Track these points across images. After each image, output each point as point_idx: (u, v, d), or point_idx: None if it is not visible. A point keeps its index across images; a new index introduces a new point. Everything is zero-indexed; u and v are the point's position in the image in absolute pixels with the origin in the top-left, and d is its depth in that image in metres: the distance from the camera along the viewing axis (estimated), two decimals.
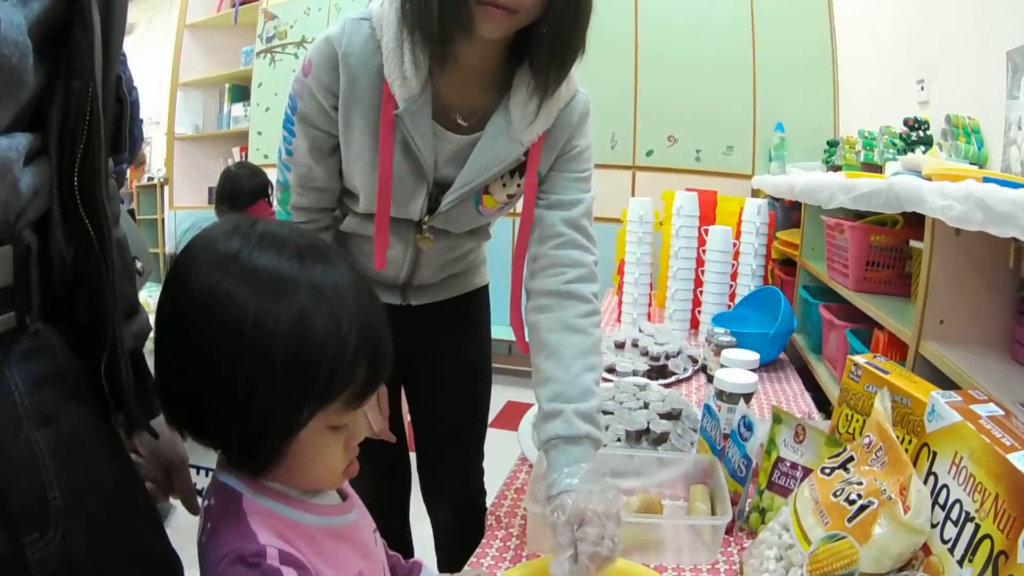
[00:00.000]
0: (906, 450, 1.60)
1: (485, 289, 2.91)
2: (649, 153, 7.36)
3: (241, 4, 9.27)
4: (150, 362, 1.40)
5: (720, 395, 2.32)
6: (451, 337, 2.79)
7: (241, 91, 9.73)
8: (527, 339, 2.28)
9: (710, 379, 3.33)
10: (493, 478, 2.63)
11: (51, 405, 1.23)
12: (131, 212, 9.11)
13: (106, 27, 1.26)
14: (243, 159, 9.28)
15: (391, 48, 1.99)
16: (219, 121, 10.13)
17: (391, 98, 2.02)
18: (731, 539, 2.09)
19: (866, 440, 1.65)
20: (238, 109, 9.74)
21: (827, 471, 1.70)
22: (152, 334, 1.29)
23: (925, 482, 1.55)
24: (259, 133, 9.01)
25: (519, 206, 2.26)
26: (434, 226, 2.32)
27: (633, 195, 5.39)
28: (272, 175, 2.50)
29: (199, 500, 1.83)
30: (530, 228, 2.25)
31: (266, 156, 8.58)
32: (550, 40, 1.96)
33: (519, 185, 2.25)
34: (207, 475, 1.96)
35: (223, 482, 1.31)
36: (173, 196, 10.20)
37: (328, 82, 2.07)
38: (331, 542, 1.34)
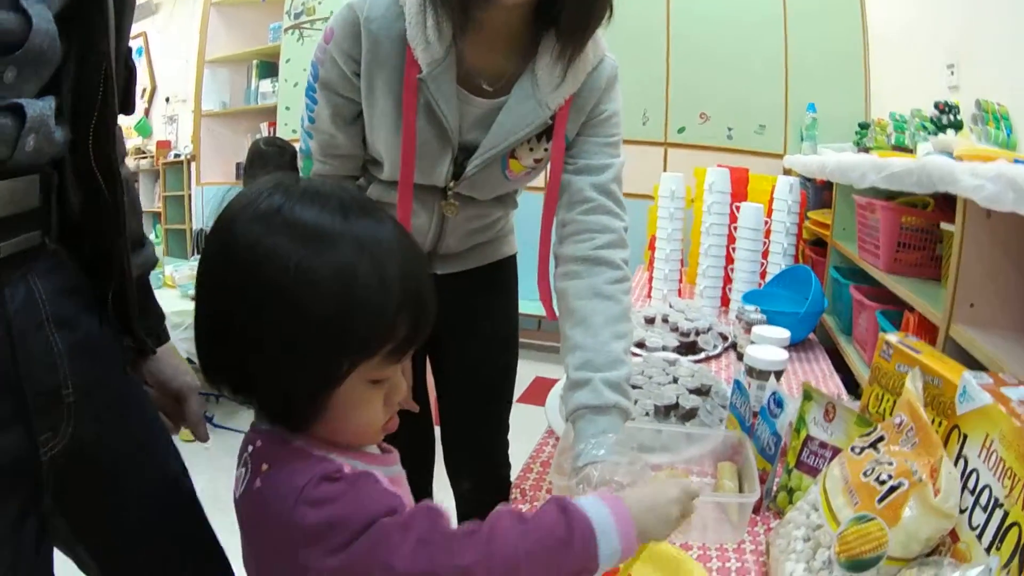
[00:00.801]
0: (936, 432, 1.57)
1: (513, 259, 2.89)
2: (681, 130, 7.36)
3: None
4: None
5: (750, 371, 2.30)
6: (477, 306, 2.77)
7: (269, 67, 9.73)
8: (555, 307, 2.26)
9: (740, 357, 3.32)
10: (519, 454, 2.61)
11: (68, 312, 1.43)
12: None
13: (119, 6, 1.44)
14: (271, 134, 9.27)
15: (414, 13, 1.98)
16: (247, 97, 10.14)
17: (414, 63, 2.01)
18: (758, 519, 2.07)
19: (897, 420, 1.62)
20: (266, 85, 9.74)
21: (857, 450, 1.67)
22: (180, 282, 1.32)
23: (955, 465, 1.52)
24: (287, 108, 9.03)
25: (545, 177, 2.24)
26: (460, 192, 2.31)
27: (665, 171, 5.37)
28: None
29: (205, 430, 1.85)
30: (558, 194, 2.24)
31: (294, 131, 8.44)
32: (574, 3, 1.94)
33: (546, 150, 2.23)
34: (217, 401, 1.97)
35: (267, 429, 1.32)
36: (200, 172, 10.22)
37: (350, 48, 2.06)
38: (392, 488, 1.31)
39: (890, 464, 1.50)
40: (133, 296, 1.65)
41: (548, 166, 2.27)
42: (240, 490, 1.29)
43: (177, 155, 11.53)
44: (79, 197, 1.47)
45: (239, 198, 1.27)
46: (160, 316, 1.87)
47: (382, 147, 2.21)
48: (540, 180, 2.28)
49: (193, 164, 10.49)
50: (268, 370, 1.21)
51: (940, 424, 1.66)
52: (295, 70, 8.91)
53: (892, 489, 1.44)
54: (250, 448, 1.32)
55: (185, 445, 1.77)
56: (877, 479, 1.50)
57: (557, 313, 2.24)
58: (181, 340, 5.52)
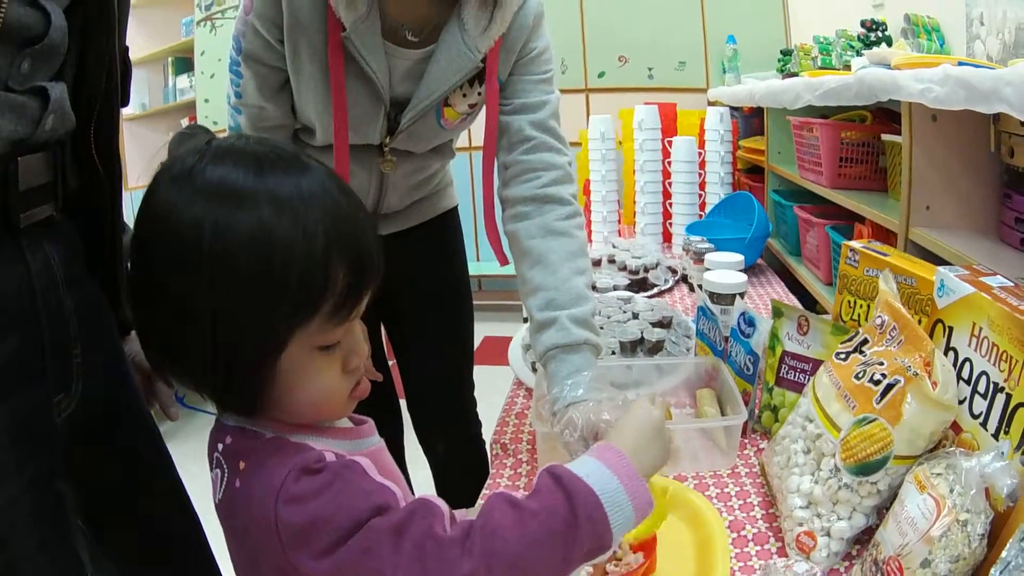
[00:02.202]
0: None
1: (455, 211, 2.90)
2: (601, 75, 7.40)
3: None
4: None
5: (712, 297, 2.32)
6: (425, 263, 2.76)
7: (184, 63, 9.60)
8: (507, 252, 2.26)
9: (692, 288, 3.34)
10: (486, 416, 2.61)
11: (76, 275, 1.51)
12: None
13: (118, 2, 1.50)
14: None
15: None
16: (165, 95, 10.00)
17: (337, 22, 1.99)
18: (746, 441, 2.09)
19: (878, 321, 1.64)
20: (183, 81, 9.60)
21: (842, 356, 1.68)
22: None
23: (945, 357, 1.53)
24: (206, 101, 8.92)
25: (479, 131, 2.24)
26: (396, 148, 2.31)
27: (589, 117, 5.39)
28: None
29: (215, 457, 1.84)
30: (496, 137, 2.22)
31: (215, 123, 8.40)
32: None
33: (480, 94, 2.22)
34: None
35: (236, 424, 1.27)
36: (127, 178, 10.11)
37: (271, 15, 2.03)
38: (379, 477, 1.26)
39: (880, 364, 1.52)
40: (123, 273, 1.69)
41: (483, 110, 2.26)
42: (220, 494, 1.24)
43: None
44: (77, 180, 1.53)
45: (163, 165, 1.22)
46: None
47: (312, 113, 2.19)
48: (467, 140, 2.28)
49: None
50: (201, 341, 1.14)
51: (920, 322, 1.67)
52: (210, 62, 8.79)
53: (889, 387, 1.45)
54: (220, 447, 1.27)
55: None
56: (871, 379, 1.51)
57: (509, 257, 2.23)
58: None
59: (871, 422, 1.46)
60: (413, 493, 1.62)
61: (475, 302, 3.00)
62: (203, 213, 1.12)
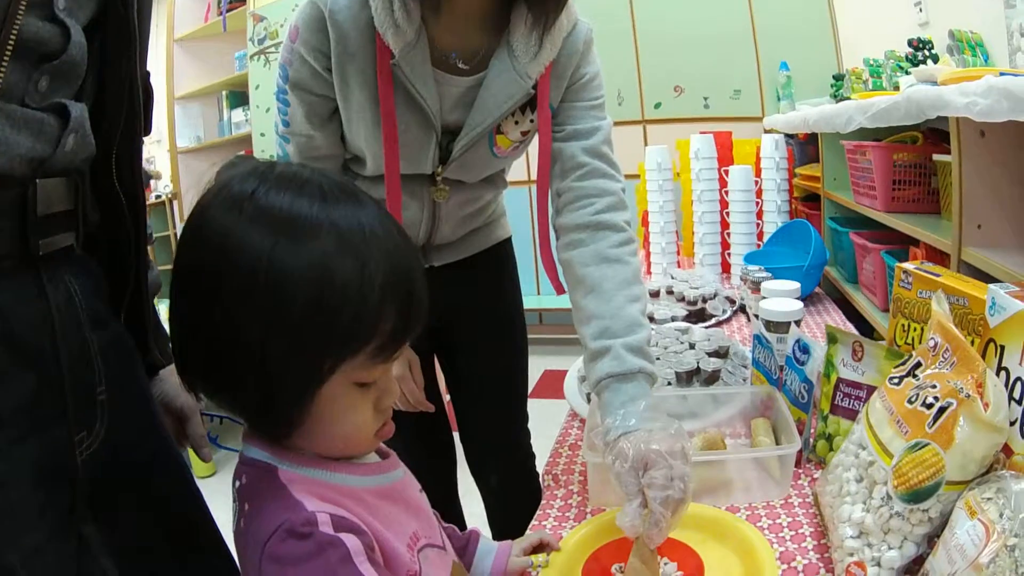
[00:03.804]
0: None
1: (508, 242, 2.88)
2: (657, 106, 7.38)
3: (228, 11, 9.23)
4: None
5: (769, 326, 2.28)
6: (480, 294, 2.76)
7: (239, 96, 9.68)
8: (562, 280, 2.23)
9: (749, 318, 3.31)
10: (540, 448, 2.59)
11: (100, 312, 1.45)
12: None
13: (138, 25, 1.45)
14: None
15: None
16: (220, 129, 10.09)
17: (386, 49, 1.99)
18: (800, 471, 2.04)
19: (931, 343, 1.59)
20: (238, 115, 9.69)
21: (895, 380, 1.63)
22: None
23: (997, 377, 1.49)
24: (262, 135, 9.01)
25: (529, 168, 2.23)
26: (448, 177, 2.30)
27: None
28: None
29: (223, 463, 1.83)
30: (549, 164, 2.21)
31: (272, 156, 8.46)
32: None
33: (532, 121, 2.21)
34: (221, 423, 1.95)
35: (252, 458, 1.26)
36: (184, 210, 10.19)
37: (318, 43, 2.04)
38: (379, 502, 1.28)
39: (934, 387, 1.47)
40: (149, 310, 1.67)
41: (536, 138, 2.25)
42: (233, 526, 1.25)
43: (158, 196, 11.50)
44: (97, 215, 1.48)
45: (214, 184, 1.21)
46: (166, 337, 1.81)
47: (362, 142, 2.19)
48: (525, 173, 2.27)
49: (175, 203, 10.47)
50: (246, 368, 1.14)
51: (973, 342, 1.63)
52: (265, 96, 8.83)
53: (941, 411, 1.41)
54: (237, 483, 1.28)
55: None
56: (924, 403, 1.46)
57: (565, 286, 2.21)
58: None
59: (923, 447, 1.41)
60: (465, 526, 1.62)
61: (535, 336, 3.00)
62: (263, 242, 1.11)
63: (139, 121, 1.51)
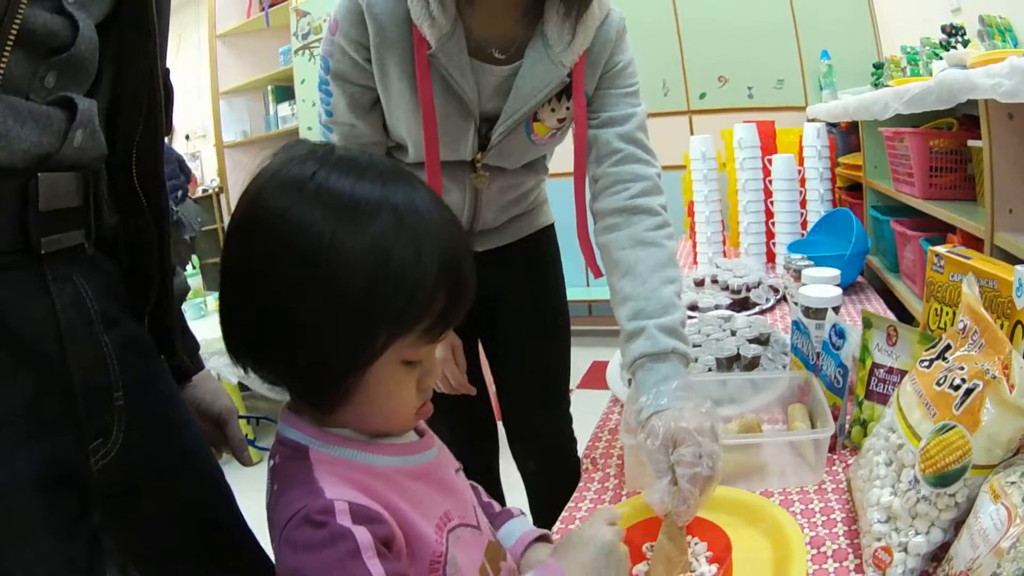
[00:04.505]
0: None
1: (551, 228, 2.91)
2: (702, 96, 7.38)
3: (271, 6, 9.27)
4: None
5: (807, 312, 2.29)
6: (522, 280, 2.78)
7: (285, 91, 9.75)
8: (600, 264, 2.27)
9: (794, 304, 3.32)
10: (585, 437, 2.60)
11: (114, 313, 1.41)
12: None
13: (156, 21, 1.44)
14: None
15: None
16: (267, 123, 10.15)
17: (423, 40, 2.02)
18: (835, 457, 2.04)
19: (960, 325, 1.59)
20: (284, 109, 9.77)
21: (926, 363, 1.63)
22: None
23: None
24: (309, 128, 9.06)
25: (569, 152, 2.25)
26: (488, 163, 2.33)
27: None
28: None
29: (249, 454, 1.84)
30: (585, 151, 2.24)
31: None
32: None
33: (568, 108, 2.24)
34: (258, 423, 1.96)
35: (287, 437, 1.28)
36: (231, 204, 10.23)
37: (357, 35, 2.08)
38: (409, 482, 1.29)
39: (962, 369, 1.47)
40: (175, 316, 1.67)
41: (572, 125, 2.28)
42: (266, 503, 1.27)
43: (205, 190, 11.56)
44: (116, 216, 1.47)
45: (269, 165, 1.23)
46: (196, 344, 1.85)
47: (403, 130, 2.23)
48: (567, 165, 2.28)
49: (222, 196, 10.52)
50: (299, 342, 1.17)
51: (1002, 325, 1.63)
52: (311, 89, 8.83)
53: (968, 392, 1.41)
54: (271, 463, 1.30)
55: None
56: (951, 385, 1.46)
57: (602, 269, 2.24)
58: (226, 366, 5.55)
59: (950, 429, 1.41)
60: (504, 505, 1.63)
61: (585, 327, 3.03)
62: (324, 221, 1.13)
63: (159, 119, 1.49)
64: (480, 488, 1.65)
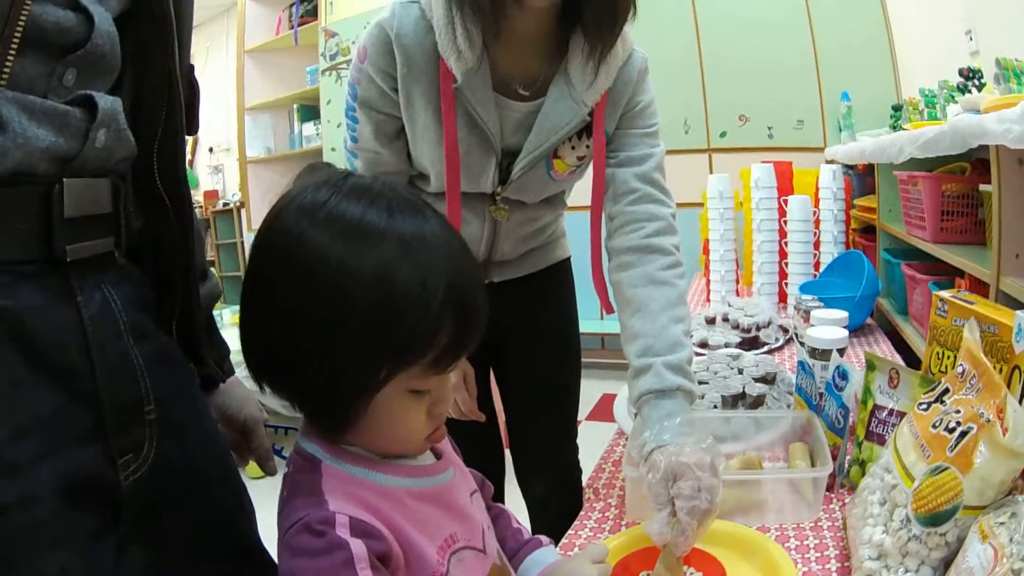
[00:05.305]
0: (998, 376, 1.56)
1: (567, 262, 2.92)
2: (723, 134, 7.41)
3: (300, 25, 9.32)
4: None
5: (813, 353, 2.30)
6: (537, 312, 2.79)
7: (310, 110, 9.80)
8: (612, 301, 2.28)
9: (801, 345, 3.34)
10: (591, 467, 2.62)
11: (144, 324, 1.37)
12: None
13: (177, 18, 1.38)
14: None
15: (442, 25, 2.02)
16: (291, 142, 10.20)
17: (449, 73, 2.05)
18: (832, 496, 2.07)
19: (960, 369, 1.61)
20: (309, 128, 9.82)
21: (924, 406, 1.65)
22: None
23: (1020, 404, 1.48)
24: (332, 149, 9.11)
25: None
26: (508, 196, 2.34)
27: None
28: None
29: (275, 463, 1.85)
30: (603, 188, 2.27)
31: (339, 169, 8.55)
32: (598, 3, 1.98)
33: (588, 146, 2.26)
34: (285, 433, 1.96)
35: (303, 448, 1.31)
36: (251, 219, 10.26)
37: (385, 64, 2.10)
38: (416, 503, 1.30)
39: (958, 412, 1.50)
40: (202, 322, 1.62)
41: (591, 163, 2.30)
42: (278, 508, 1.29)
43: (226, 203, 11.61)
44: (141, 220, 1.43)
45: (288, 192, 1.25)
46: (226, 350, 1.82)
47: (427, 160, 2.25)
48: (585, 199, 2.31)
49: (243, 211, 10.55)
50: (306, 368, 1.19)
51: (1000, 370, 1.65)
52: (337, 111, 8.88)
53: (963, 435, 1.43)
54: (286, 470, 1.33)
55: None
56: (946, 428, 1.49)
57: (614, 306, 2.26)
58: (246, 378, 5.59)
59: (943, 471, 1.43)
60: None
61: (596, 360, 3.03)
62: (330, 245, 1.15)
63: (180, 119, 1.44)
64: (511, 514, 1.70)
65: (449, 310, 1.20)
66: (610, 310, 2.36)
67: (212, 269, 1.83)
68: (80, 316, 1.21)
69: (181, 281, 1.52)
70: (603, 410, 6.71)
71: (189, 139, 1.58)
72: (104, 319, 1.26)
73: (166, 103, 1.38)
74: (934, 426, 1.53)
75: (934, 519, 1.44)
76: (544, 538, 1.73)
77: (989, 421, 1.39)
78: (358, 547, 1.14)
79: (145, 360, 1.34)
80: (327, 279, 1.15)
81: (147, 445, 1.34)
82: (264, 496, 1.64)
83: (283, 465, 1.72)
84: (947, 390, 1.62)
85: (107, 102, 1.21)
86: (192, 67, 1.53)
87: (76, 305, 1.21)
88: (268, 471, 1.84)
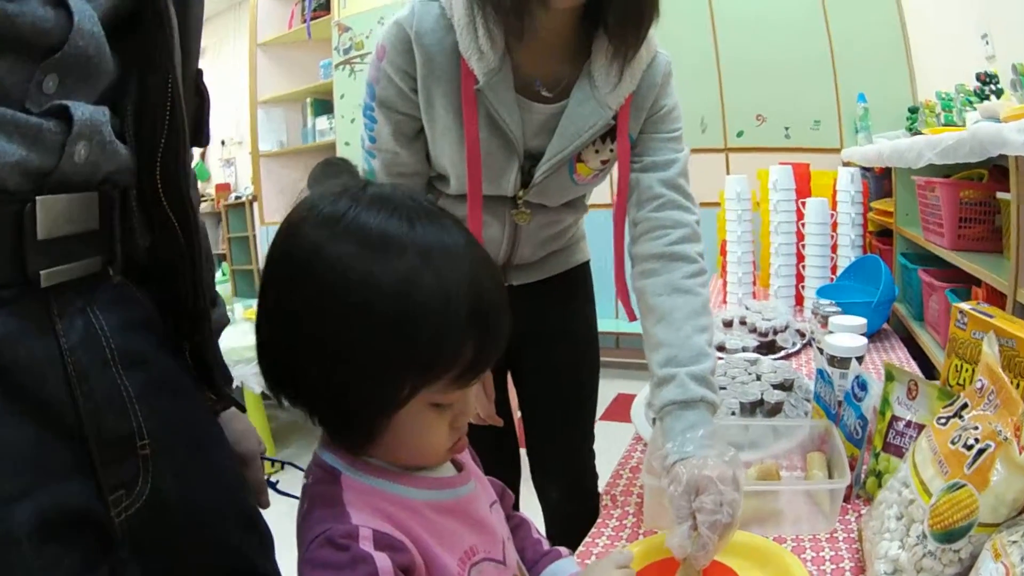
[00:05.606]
0: (1016, 392, 1.56)
1: (587, 265, 2.91)
2: (740, 134, 7.39)
3: (313, 19, 9.33)
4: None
5: (831, 360, 2.30)
6: (556, 314, 2.78)
7: (323, 104, 9.80)
8: (635, 307, 2.27)
9: (820, 351, 3.33)
10: (606, 469, 2.62)
11: (139, 349, 1.28)
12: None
13: (182, 21, 1.30)
14: None
15: (463, 24, 2.01)
16: (304, 135, 10.19)
17: (470, 74, 2.04)
18: (849, 507, 2.06)
19: (978, 384, 1.61)
20: (322, 122, 9.81)
21: (943, 421, 1.65)
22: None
23: None
24: (346, 144, 9.07)
25: (611, 190, 2.26)
26: (529, 200, 2.33)
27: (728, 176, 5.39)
28: None
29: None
30: (627, 193, 2.25)
31: (355, 166, 8.50)
32: (623, 5, 1.96)
33: (612, 150, 2.24)
34: (283, 467, 1.95)
35: (322, 460, 1.30)
36: (263, 212, 10.26)
37: (404, 64, 2.09)
38: (437, 516, 1.29)
39: (976, 428, 1.49)
40: (215, 345, 1.56)
41: (615, 167, 2.29)
42: (296, 520, 1.27)
43: (238, 197, 11.60)
44: (147, 238, 1.35)
45: (305, 201, 1.24)
46: (229, 378, 1.70)
47: (447, 162, 2.24)
48: (605, 196, 2.30)
49: (255, 205, 10.54)
50: (328, 383, 1.18)
51: (1018, 385, 1.65)
52: (350, 106, 8.94)
53: (980, 452, 1.43)
54: (305, 481, 1.31)
55: None
56: (965, 444, 1.48)
57: (637, 313, 2.25)
58: (252, 375, 5.52)
59: (960, 488, 1.43)
60: None
61: (612, 359, 3.02)
62: (350, 256, 1.14)
63: (183, 130, 1.31)
64: (531, 523, 1.71)
65: (471, 326, 1.18)
66: (632, 317, 2.36)
67: (224, 263, 1.79)
68: (59, 345, 1.14)
69: (190, 301, 1.44)
70: (618, 409, 6.69)
71: (198, 151, 1.50)
72: (88, 347, 1.19)
73: (168, 112, 1.28)
74: (952, 442, 1.53)
75: (949, 536, 1.44)
76: (564, 549, 1.73)
77: (1007, 439, 1.39)
78: (383, 560, 1.13)
79: (138, 390, 1.26)
80: (349, 291, 1.13)
81: (141, 480, 1.26)
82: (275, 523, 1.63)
83: (277, 500, 1.71)
84: (966, 405, 1.61)
85: (86, 112, 1.11)
86: (201, 72, 1.46)
87: (55, 333, 1.14)
88: (260, 504, 1.76)
